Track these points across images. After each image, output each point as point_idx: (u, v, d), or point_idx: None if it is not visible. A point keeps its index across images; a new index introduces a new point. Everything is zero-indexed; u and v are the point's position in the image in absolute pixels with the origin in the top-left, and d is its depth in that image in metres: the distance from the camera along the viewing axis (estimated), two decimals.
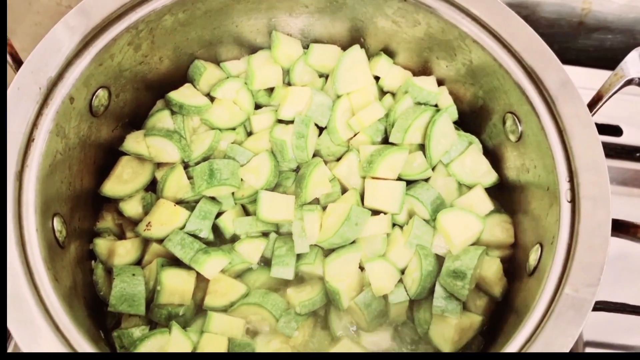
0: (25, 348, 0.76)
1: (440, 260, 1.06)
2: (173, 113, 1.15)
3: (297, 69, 1.19)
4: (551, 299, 0.83)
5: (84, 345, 0.81)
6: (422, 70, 1.19)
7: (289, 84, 1.21)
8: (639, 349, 1.22)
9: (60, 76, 0.93)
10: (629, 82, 0.95)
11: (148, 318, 1.03)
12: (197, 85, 1.19)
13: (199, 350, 0.98)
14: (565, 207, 0.89)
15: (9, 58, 0.95)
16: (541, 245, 0.94)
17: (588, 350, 1.22)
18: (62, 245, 0.94)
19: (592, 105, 0.97)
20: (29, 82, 0.91)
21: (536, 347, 0.79)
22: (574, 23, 1.54)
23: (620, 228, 0.88)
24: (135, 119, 1.16)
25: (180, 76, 1.20)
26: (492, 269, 1.03)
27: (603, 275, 0.83)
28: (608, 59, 1.07)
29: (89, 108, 1.01)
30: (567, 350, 0.77)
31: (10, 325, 0.78)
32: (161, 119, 1.15)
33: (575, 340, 0.78)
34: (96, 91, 1.01)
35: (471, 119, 1.16)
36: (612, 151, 1.41)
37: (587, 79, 1.30)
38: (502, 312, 1.03)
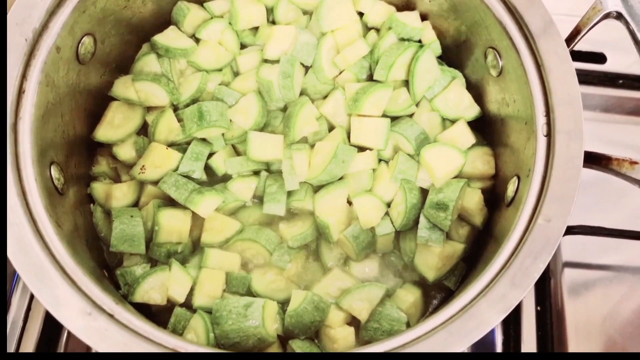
0: (35, 291, 0.81)
1: (424, 193, 1.10)
2: (159, 56, 1.16)
3: (280, 7, 1.19)
4: (525, 228, 0.87)
5: (89, 285, 0.85)
6: (406, 5, 1.18)
7: (273, 23, 1.21)
8: (613, 267, 1.29)
9: (44, 26, 0.93)
10: (607, 16, 0.96)
11: (148, 256, 1.08)
12: (181, 27, 1.18)
13: (198, 284, 1.03)
14: (542, 141, 0.92)
15: None
16: (518, 178, 0.98)
17: (566, 270, 1.29)
18: (61, 192, 0.97)
19: (571, 39, 0.98)
20: (15, 34, 0.91)
21: (511, 271, 0.84)
22: None
23: (593, 160, 0.91)
24: (123, 63, 1.16)
25: (165, 19, 1.19)
26: (473, 200, 1.07)
27: (575, 205, 0.87)
28: None
29: (76, 56, 1.01)
30: (538, 274, 0.82)
31: (20, 271, 0.82)
32: (148, 62, 1.15)
33: (547, 265, 0.83)
34: (82, 39, 1.01)
35: (455, 54, 1.17)
36: (596, 79, 1.42)
37: (572, 5, 1.31)
38: (482, 240, 1.08)
